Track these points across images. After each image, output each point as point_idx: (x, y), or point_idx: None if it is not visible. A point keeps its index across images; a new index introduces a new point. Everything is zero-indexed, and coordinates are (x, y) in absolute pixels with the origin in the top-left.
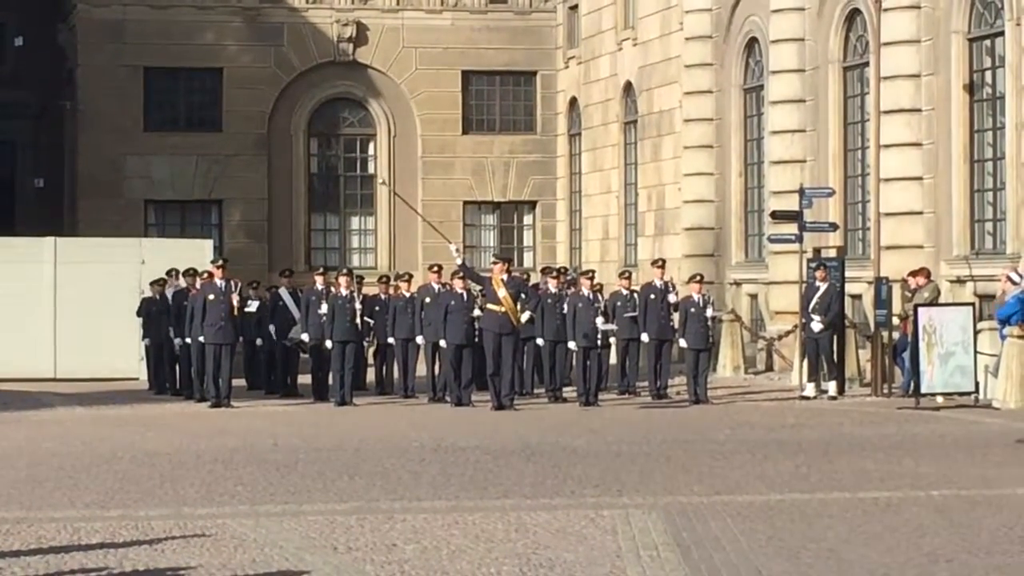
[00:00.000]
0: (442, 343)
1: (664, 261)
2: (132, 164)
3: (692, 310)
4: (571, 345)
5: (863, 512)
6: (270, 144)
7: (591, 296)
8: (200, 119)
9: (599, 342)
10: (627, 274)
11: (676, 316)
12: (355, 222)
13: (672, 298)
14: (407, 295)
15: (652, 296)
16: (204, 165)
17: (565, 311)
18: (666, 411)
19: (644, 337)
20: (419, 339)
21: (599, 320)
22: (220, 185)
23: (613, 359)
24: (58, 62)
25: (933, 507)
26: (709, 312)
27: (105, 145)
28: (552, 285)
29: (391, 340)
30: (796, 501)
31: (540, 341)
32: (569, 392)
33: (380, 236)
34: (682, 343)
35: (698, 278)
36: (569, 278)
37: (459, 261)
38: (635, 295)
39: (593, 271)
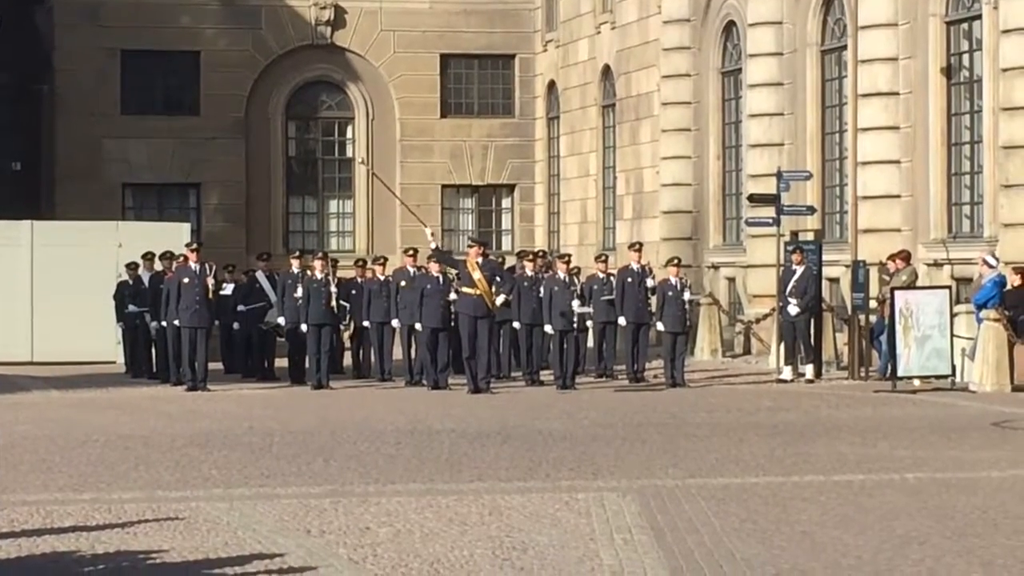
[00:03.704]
0: (418, 326)
1: (641, 245)
2: (110, 147)
3: (670, 293)
4: (547, 328)
5: (837, 495)
6: (248, 127)
7: (567, 279)
8: (178, 102)
9: (575, 325)
10: (604, 257)
11: (653, 300)
12: (333, 205)
13: (650, 282)
14: (382, 278)
15: (629, 280)
16: (182, 148)
17: (542, 294)
18: (642, 394)
19: (621, 320)
20: (394, 322)
21: (575, 303)
22: (198, 168)
23: (590, 342)
24: (35, 44)
25: (907, 490)
26: (687, 295)
27: (83, 128)
28: (528, 268)
29: (366, 323)
30: (771, 484)
31: (516, 324)
32: (546, 375)
33: (358, 219)
34: (659, 327)
35: (675, 261)
36: (547, 261)
37: (433, 245)
38: (611, 278)
39: (569, 255)
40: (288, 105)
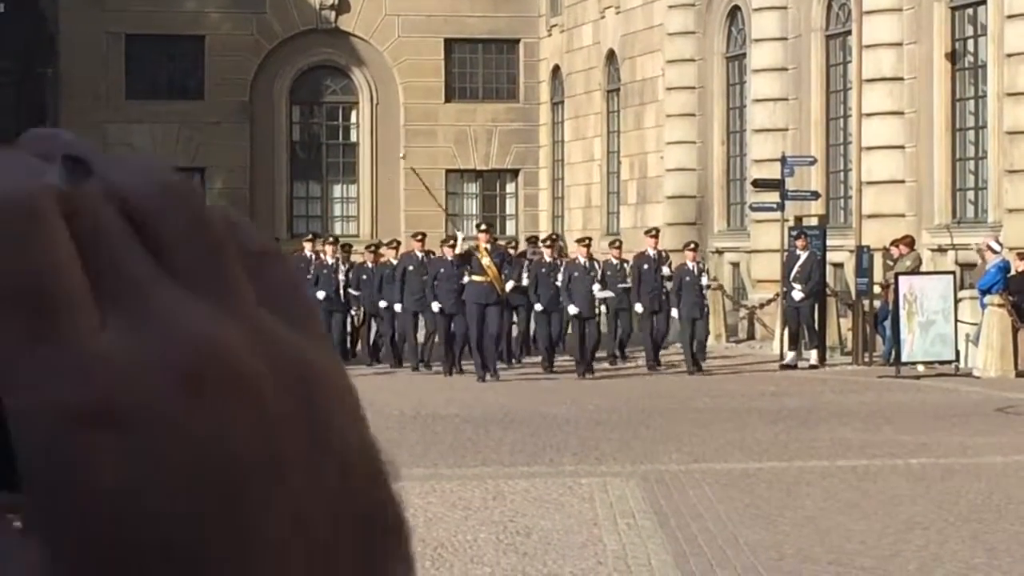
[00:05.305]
0: (435, 306)
1: (658, 230)
2: (114, 132)
3: (687, 279)
4: (571, 309)
5: (841, 480)
6: (252, 112)
7: (587, 264)
8: (182, 87)
9: (595, 311)
10: (618, 244)
11: (669, 286)
12: (337, 190)
13: (666, 270)
14: (393, 263)
15: (645, 266)
16: (186, 133)
17: (559, 280)
18: (646, 380)
19: (638, 307)
20: (396, 307)
21: (595, 287)
22: (202, 153)
23: (603, 327)
24: (39, 29)
25: (911, 475)
26: (704, 280)
27: (86, 112)
28: (547, 254)
29: (382, 303)
30: (775, 469)
31: (538, 307)
32: (559, 361)
33: (362, 204)
34: (673, 313)
35: (692, 246)
36: (559, 246)
37: (459, 250)
38: (625, 265)
39: (590, 239)
40: (292, 90)
